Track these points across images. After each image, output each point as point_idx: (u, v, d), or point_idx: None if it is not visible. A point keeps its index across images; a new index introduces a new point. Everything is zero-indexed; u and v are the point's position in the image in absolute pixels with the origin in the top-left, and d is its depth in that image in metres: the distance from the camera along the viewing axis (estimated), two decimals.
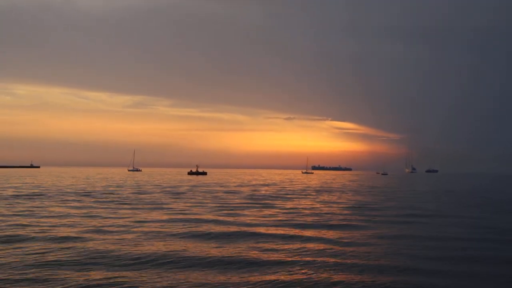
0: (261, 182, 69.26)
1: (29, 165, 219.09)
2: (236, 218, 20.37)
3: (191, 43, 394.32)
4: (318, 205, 28.11)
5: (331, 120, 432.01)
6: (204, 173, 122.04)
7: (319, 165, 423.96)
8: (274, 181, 75.37)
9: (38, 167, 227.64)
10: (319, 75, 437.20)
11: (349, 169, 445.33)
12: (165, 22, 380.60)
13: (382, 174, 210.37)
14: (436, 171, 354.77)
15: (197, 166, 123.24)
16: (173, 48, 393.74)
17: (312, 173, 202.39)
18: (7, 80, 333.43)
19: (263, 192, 42.57)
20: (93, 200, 29.68)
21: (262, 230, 16.55)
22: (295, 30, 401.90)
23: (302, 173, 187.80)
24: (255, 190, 44.95)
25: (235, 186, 53.56)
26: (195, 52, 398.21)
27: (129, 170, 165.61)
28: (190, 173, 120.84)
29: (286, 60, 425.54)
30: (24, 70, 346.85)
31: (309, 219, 20.37)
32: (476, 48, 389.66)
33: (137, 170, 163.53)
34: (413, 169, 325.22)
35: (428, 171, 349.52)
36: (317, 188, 52.25)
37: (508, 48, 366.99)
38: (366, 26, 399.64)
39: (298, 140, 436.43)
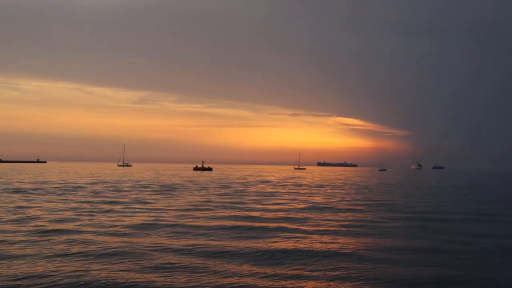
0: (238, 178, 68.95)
1: (36, 160, 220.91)
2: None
3: (196, 38, 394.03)
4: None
5: (337, 116, 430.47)
6: (209, 169, 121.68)
7: (324, 161, 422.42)
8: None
9: (45, 162, 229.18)
10: (324, 71, 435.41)
11: (355, 165, 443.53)
12: (170, 18, 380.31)
13: (380, 170, 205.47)
14: (442, 167, 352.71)
15: (203, 162, 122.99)
16: (179, 44, 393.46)
17: (304, 169, 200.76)
18: (12, 75, 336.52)
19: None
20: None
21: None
22: (299, 26, 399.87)
23: (295, 169, 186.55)
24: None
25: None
26: (201, 48, 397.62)
27: (118, 165, 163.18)
28: (196, 168, 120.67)
29: (292, 56, 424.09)
30: (29, 65, 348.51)
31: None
32: (479, 43, 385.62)
33: (127, 165, 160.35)
34: (419, 165, 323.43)
35: (434, 167, 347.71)
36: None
37: None
38: (370, 22, 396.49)
39: (303, 136, 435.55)
